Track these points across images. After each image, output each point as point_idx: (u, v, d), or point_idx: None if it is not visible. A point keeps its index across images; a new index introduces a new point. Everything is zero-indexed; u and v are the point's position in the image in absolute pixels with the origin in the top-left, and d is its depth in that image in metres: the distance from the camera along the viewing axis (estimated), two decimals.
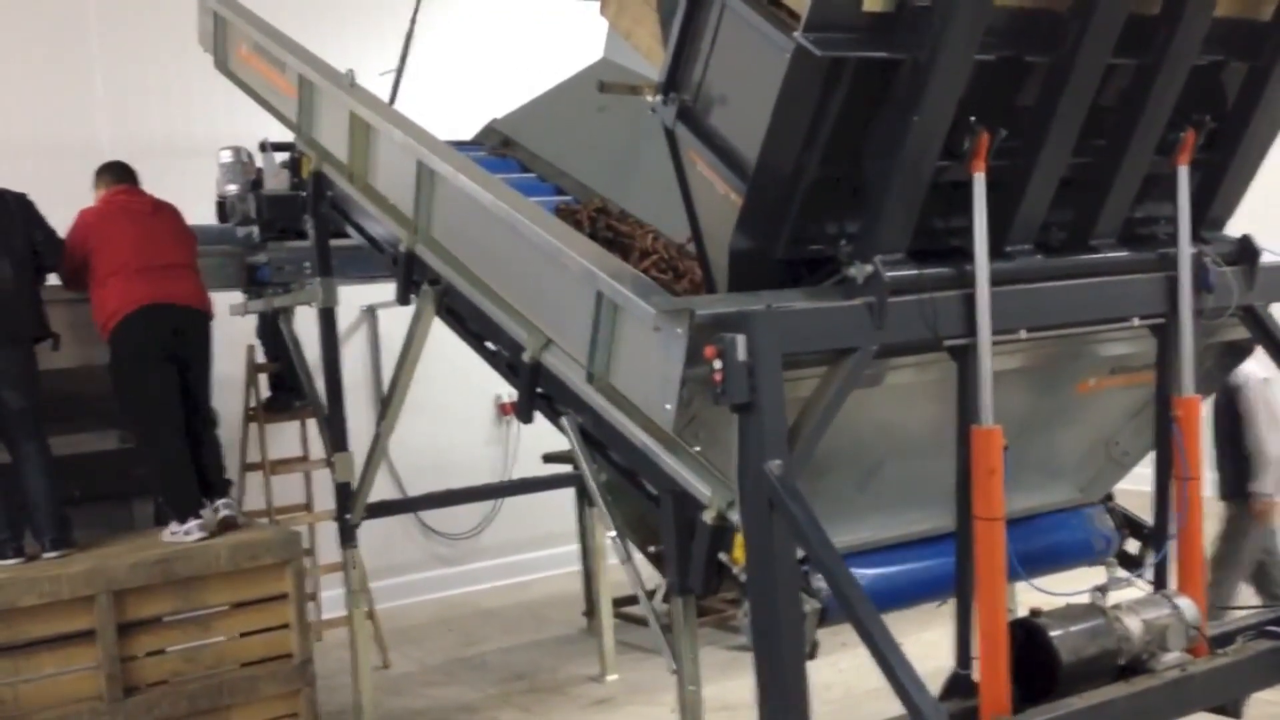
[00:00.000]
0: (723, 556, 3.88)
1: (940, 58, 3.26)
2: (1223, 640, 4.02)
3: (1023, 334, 3.66)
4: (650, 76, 6.42)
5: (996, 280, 3.55)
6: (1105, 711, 3.58)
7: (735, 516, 3.82)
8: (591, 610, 7.88)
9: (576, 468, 7.22)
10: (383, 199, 5.27)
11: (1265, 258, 4.10)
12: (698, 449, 3.60)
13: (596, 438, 4.50)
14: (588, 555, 7.87)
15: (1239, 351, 4.40)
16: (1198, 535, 3.99)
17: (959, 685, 3.74)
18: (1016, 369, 3.87)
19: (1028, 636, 3.68)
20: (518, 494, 8.02)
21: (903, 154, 3.37)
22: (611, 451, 4.44)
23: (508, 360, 4.98)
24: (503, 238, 4.28)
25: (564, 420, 4.62)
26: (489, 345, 5.09)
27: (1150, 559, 4.07)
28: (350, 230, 5.79)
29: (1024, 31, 3.45)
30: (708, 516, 3.88)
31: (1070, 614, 3.77)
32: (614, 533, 4.58)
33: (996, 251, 3.62)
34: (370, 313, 8.63)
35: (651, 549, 5.84)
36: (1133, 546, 4.44)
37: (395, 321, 7.02)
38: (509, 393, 8.90)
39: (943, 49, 3.25)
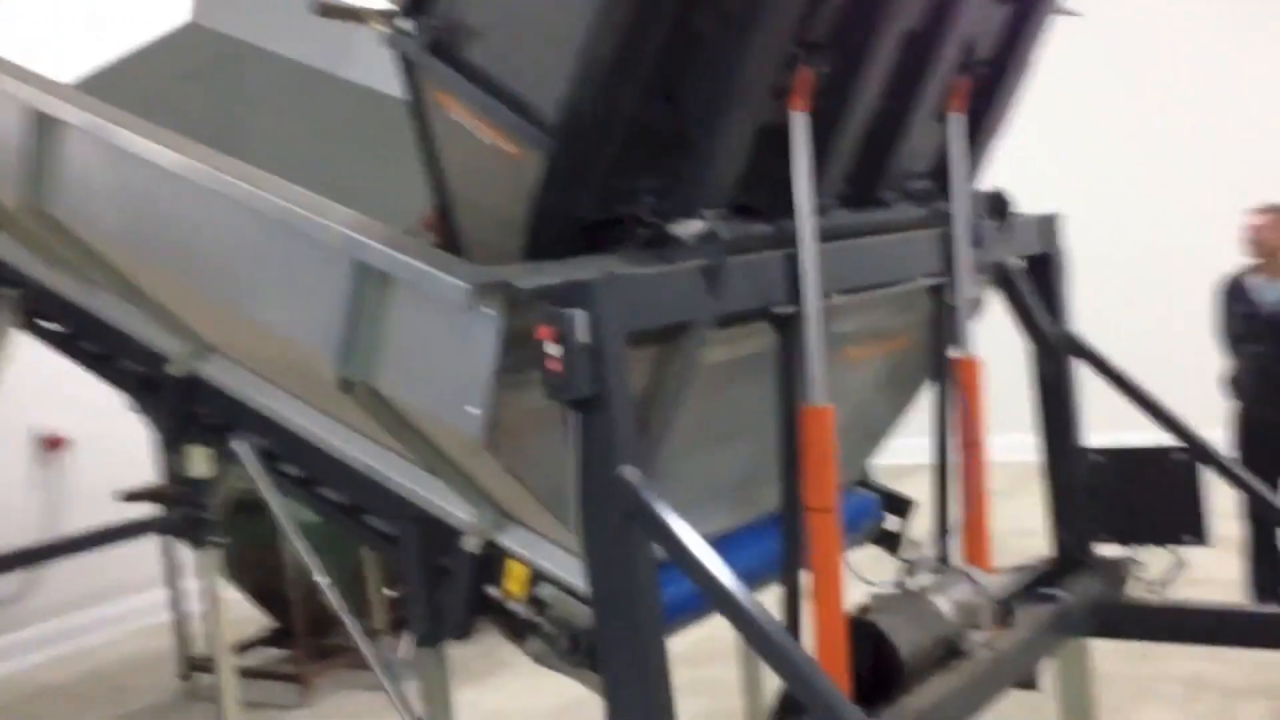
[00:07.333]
0: (491, 590, 3.24)
1: None
2: (1003, 612, 3.84)
3: (837, 299, 3.24)
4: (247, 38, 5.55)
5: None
6: (948, 707, 3.28)
7: (506, 541, 3.20)
8: (191, 669, 6.77)
9: (169, 506, 6.24)
10: None
11: (1013, 212, 3.97)
12: (502, 462, 2.88)
13: (287, 464, 3.69)
14: (179, 604, 6.81)
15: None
16: (983, 505, 3.79)
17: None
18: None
19: (861, 635, 3.29)
20: (87, 549, 6.62)
21: (734, 89, 2.86)
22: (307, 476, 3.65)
23: (141, 376, 4.00)
24: (176, 212, 3.30)
25: (237, 446, 3.76)
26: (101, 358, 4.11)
27: (940, 535, 3.80)
28: None
29: None
30: (470, 545, 3.22)
31: (893, 605, 3.44)
32: (327, 580, 3.75)
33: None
34: None
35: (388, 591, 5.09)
36: (893, 524, 4.20)
37: None
38: (54, 424, 7.58)
39: None
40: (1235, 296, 5.97)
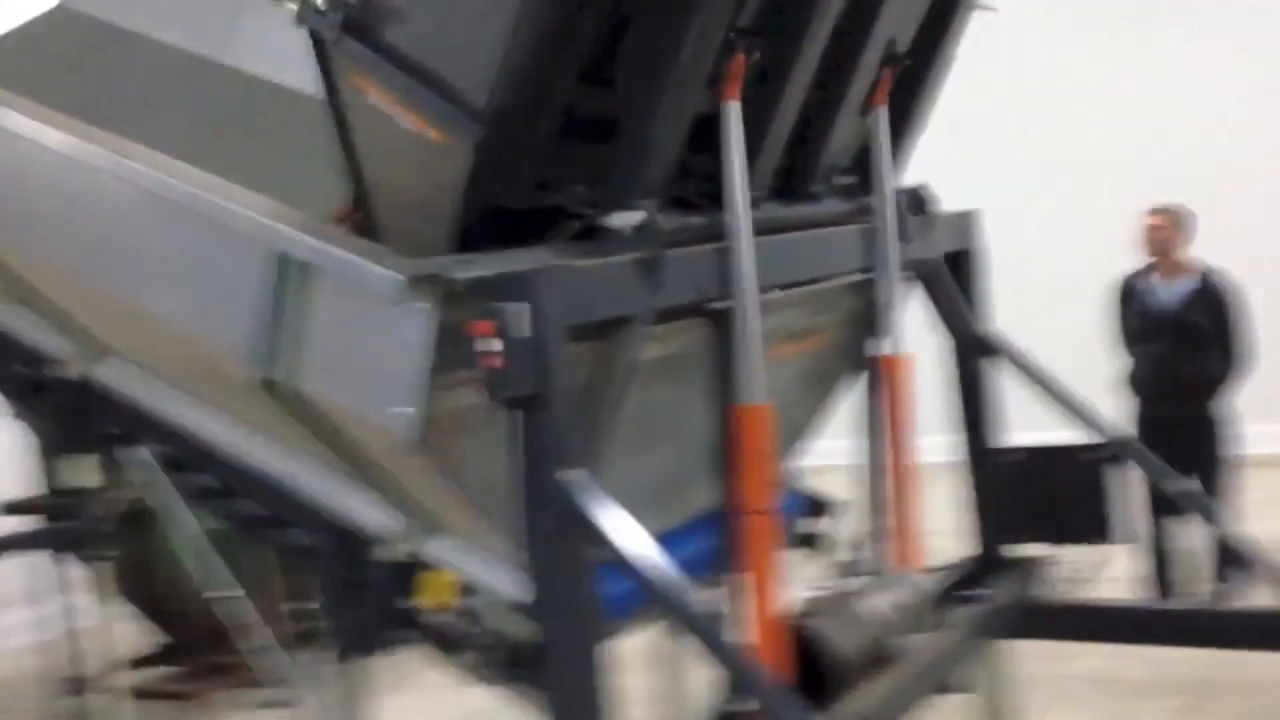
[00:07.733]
0: (415, 603, 3.09)
1: None
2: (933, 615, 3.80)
3: (776, 293, 3.17)
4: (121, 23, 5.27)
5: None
6: (884, 712, 3.22)
7: (433, 550, 3.08)
8: (72, 691, 6.41)
9: (54, 519, 5.90)
10: None
11: (934, 208, 3.94)
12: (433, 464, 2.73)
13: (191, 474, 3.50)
14: (55, 622, 6.44)
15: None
16: (914, 506, 3.75)
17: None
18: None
19: (796, 640, 3.21)
20: None
21: (668, 75, 2.76)
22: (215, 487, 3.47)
23: (25, 380, 3.76)
24: (71, 201, 3.08)
25: (134, 455, 3.55)
26: None
27: (869, 536, 3.75)
28: None
29: None
30: (394, 555, 3.08)
31: (826, 608, 3.36)
32: (228, 594, 3.56)
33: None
34: None
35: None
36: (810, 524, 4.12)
37: None
38: None
39: None
40: (1131, 296, 6.06)
